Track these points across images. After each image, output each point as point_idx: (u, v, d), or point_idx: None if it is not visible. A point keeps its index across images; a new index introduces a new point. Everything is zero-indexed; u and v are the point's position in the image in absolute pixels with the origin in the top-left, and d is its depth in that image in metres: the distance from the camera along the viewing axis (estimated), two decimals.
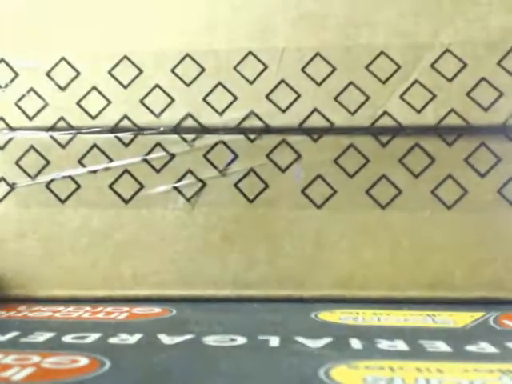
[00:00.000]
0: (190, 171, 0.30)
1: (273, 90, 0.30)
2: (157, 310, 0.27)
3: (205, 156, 0.30)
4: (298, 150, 0.29)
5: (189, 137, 0.30)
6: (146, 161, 0.30)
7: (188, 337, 0.22)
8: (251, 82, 0.30)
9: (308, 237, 0.29)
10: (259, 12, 0.30)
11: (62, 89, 0.30)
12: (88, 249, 0.29)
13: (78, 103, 0.30)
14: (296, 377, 0.18)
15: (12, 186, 0.30)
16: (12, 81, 0.31)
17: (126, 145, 0.30)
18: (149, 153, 0.30)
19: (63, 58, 0.30)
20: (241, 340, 0.22)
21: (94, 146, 0.30)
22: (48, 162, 0.30)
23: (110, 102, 0.30)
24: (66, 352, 0.20)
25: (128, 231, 0.30)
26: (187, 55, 0.30)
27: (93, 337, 0.22)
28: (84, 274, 0.29)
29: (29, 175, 0.30)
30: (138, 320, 0.25)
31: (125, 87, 0.30)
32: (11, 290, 0.29)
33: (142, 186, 0.30)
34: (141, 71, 0.30)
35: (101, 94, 0.30)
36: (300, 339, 0.22)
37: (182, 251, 0.29)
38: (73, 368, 0.18)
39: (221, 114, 0.30)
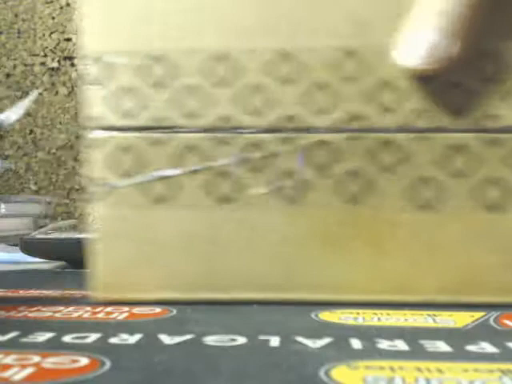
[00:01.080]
0: (291, 171, 0.29)
1: (376, 89, 0.28)
2: (157, 309, 0.27)
3: (308, 156, 0.29)
4: (404, 150, 0.28)
5: (291, 136, 0.29)
6: (246, 161, 0.29)
7: (188, 337, 0.22)
8: (353, 81, 0.28)
9: (414, 240, 0.28)
10: (356, 7, 0.28)
11: (158, 87, 0.29)
12: (183, 250, 0.29)
13: (175, 101, 0.29)
14: (296, 377, 0.18)
15: (110, 187, 0.29)
16: (104, 78, 0.29)
17: (226, 144, 0.29)
18: (249, 153, 0.29)
19: (156, 55, 0.29)
20: (241, 340, 0.22)
21: (190, 146, 0.29)
22: (146, 163, 0.29)
23: (207, 101, 0.29)
24: (66, 352, 0.20)
25: (226, 232, 0.29)
26: (287, 53, 0.29)
27: (93, 337, 0.22)
28: (178, 276, 0.29)
29: (127, 176, 0.29)
30: (138, 320, 0.25)
31: (227, 86, 0.29)
32: (108, 293, 0.29)
33: (241, 187, 0.29)
34: (244, 71, 0.29)
35: (197, 92, 0.29)
36: (300, 339, 0.22)
37: (281, 253, 0.28)
38: (73, 368, 0.18)
39: (325, 113, 0.28)
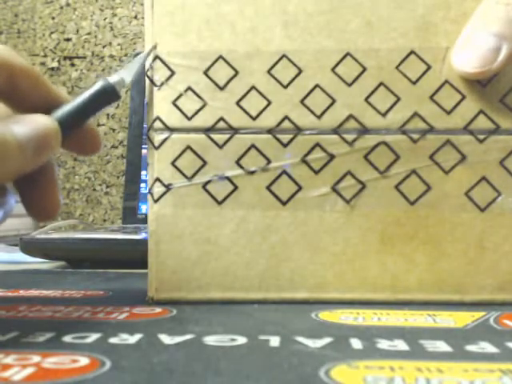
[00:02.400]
0: (349, 172, 0.29)
1: (437, 91, 0.29)
2: (157, 309, 0.27)
3: (365, 157, 0.29)
4: (462, 151, 0.29)
5: (349, 137, 0.29)
6: (304, 162, 0.29)
7: (188, 337, 0.22)
8: (414, 83, 0.29)
9: (470, 240, 0.28)
10: (421, 10, 0.29)
11: (221, 88, 0.29)
12: (245, 250, 0.29)
13: (238, 103, 0.29)
14: (296, 377, 0.18)
15: (168, 187, 0.29)
16: (168, 79, 0.29)
17: (285, 145, 0.29)
18: (308, 154, 0.29)
19: (220, 57, 0.29)
20: (241, 340, 0.22)
21: (252, 146, 0.29)
22: (205, 163, 0.29)
23: (269, 103, 0.29)
24: (66, 352, 0.20)
25: (285, 233, 0.29)
26: (348, 54, 0.29)
27: (93, 337, 0.22)
28: (240, 276, 0.29)
29: (185, 176, 0.29)
30: (138, 320, 0.25)
31: (285, 87, 0.29)
32: (169, 293, 0.29)
33: (299, 188, 0.29)
34: (300, 71, 0.29)
35: (260, 93, 0.29)
36: (300, 339, 0.22)
37: (339, 253, 0.29)
38: (73, 368, 0.18)
39: (384, 115, 0.29)
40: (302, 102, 0.29)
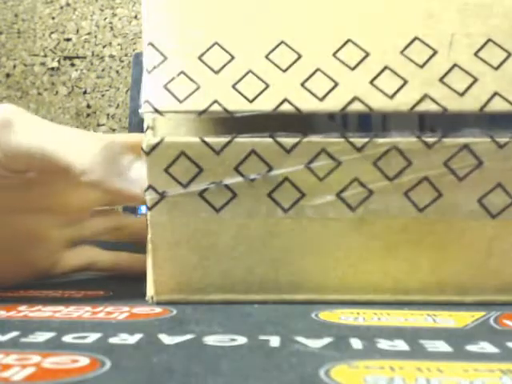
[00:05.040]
0: (356, 179, 0.27)
1: (446, 74, 0.28)
2: (157, 309, 0.27)
3: (374, 163, 0.27)
4: (479, 156, 0.27)
5: (358, 142, 0.27)
6: (308, 168, 0.27)
7: (188, 337, 0.22)
8: (421, 66, 0.28)
9: (478, 246, 0.28)
10: (422, 2, 0.29)
11: (216, 73, 0.28)
12: (244, 257, 0.28)
13: (234, 86, 0.28)
14: (296, 377, 0.18)
15: (162, 195, 0.27)
16: (160, 64, 0.28)
17: (288, 151, 0.27)
18: (312, 160, 0.27)
19: (216, 43, 0.28)
20: (241, 340, 0.22)
21: (252, 151, 0.27)
22: (201, 170, 0.27)
23: (267, 86, 0.27)
24: (66, 352, 0.20)
25: (286, 239, 0.28)
26: (349, 40, 0.28)
27: (93, 337, 0.22)
28: (240, 281, 0.28)
29: (180, 183, 0.27)
30: (138, 320, 0.25)
31: (283, 71, 0.28)
32: (166, 295, 0.28)
33: (303, 195, 0.27)
34: (300, 56, 0.28)
35: (258, 77, 0.28)
36: (300, 339, 0.22)
37: (342, 258, 0.28)
38: (73, 368, 0.18)
39: (391, 97, 0.27)
40: (302, 84, 0.28)
